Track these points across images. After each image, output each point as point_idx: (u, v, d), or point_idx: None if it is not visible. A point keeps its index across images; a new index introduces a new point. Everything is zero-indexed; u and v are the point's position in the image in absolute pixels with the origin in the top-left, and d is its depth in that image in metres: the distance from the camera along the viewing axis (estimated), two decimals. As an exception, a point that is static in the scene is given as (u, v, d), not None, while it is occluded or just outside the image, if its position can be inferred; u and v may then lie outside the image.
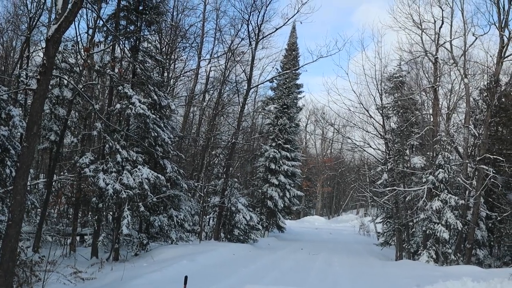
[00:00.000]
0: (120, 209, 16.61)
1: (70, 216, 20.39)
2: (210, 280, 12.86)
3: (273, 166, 34.91)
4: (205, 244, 21.12)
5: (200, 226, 23.82)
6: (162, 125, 18.65)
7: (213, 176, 28.02)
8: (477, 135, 24.98)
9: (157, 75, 20.77)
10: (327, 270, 17.88)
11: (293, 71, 40.25)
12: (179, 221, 20.37)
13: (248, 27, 26.36)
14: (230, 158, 26.38)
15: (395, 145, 28.23)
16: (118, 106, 16.91)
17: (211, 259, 16.93)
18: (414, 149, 28.37)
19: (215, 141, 29.99)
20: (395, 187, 25.88)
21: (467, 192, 24.22)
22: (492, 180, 23.51)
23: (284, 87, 38.99)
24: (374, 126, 29.45)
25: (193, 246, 19.25)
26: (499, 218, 25.01)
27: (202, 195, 24.86)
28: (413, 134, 27.01)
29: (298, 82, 43.21)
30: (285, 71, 39.20)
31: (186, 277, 3.71)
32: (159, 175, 17.34)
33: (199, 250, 18.09)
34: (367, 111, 28.88)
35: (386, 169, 27.94)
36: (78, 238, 19.51)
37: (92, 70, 19.87)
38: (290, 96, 38.83)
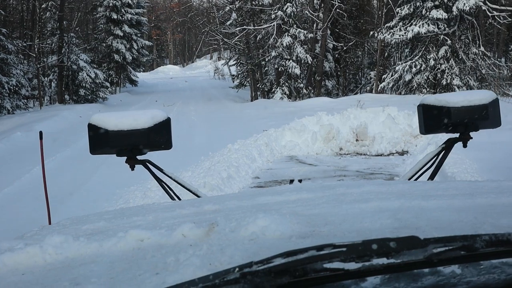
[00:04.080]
0: None
1: None
2: (52, 149, 11.40)
3: (114, 15, 31.97)
4: (47, 110, 19.23)
5: (38, 90, 21.51)
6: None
7: (47, 33, 24.97)
8: (322, -36, 24.47)
9: None
10: (183, 120, 17.21)
11: None
12: (12, 87, 18.10)
13: None
14: (61, 10, 23.38)
15: (242, -18, 26.90)
16: None
17: (53, 126, 15.29)
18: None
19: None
20: (245, 27, 25.17)
21: (314, 25, 24.33)
22: (337, 10, 23.70)
23: None
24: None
25: (33, 114, 17.39)
26: (345, 48, 25.88)
27: (35, 55, 22.14)
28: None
29: None
30: None
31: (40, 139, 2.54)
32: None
33: (40, 117, 16.28)
34: None
35: (235, 8, 26.93)
36: None
37: None
38: None
